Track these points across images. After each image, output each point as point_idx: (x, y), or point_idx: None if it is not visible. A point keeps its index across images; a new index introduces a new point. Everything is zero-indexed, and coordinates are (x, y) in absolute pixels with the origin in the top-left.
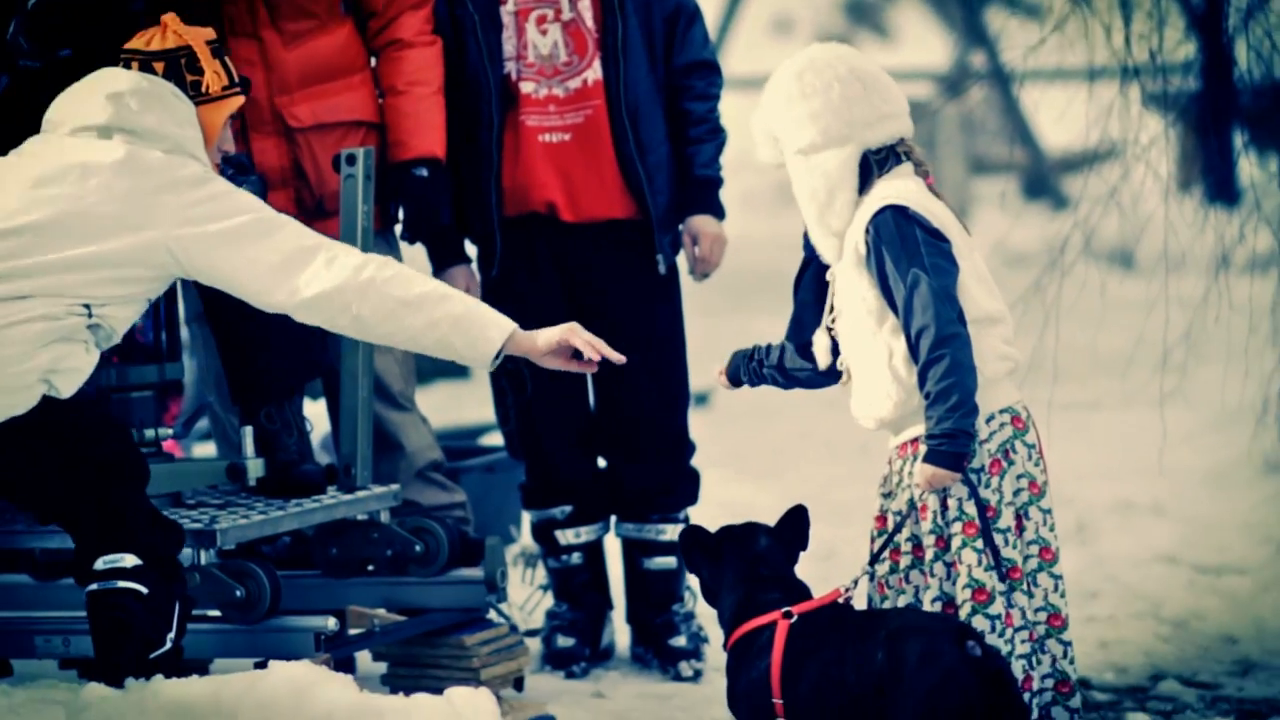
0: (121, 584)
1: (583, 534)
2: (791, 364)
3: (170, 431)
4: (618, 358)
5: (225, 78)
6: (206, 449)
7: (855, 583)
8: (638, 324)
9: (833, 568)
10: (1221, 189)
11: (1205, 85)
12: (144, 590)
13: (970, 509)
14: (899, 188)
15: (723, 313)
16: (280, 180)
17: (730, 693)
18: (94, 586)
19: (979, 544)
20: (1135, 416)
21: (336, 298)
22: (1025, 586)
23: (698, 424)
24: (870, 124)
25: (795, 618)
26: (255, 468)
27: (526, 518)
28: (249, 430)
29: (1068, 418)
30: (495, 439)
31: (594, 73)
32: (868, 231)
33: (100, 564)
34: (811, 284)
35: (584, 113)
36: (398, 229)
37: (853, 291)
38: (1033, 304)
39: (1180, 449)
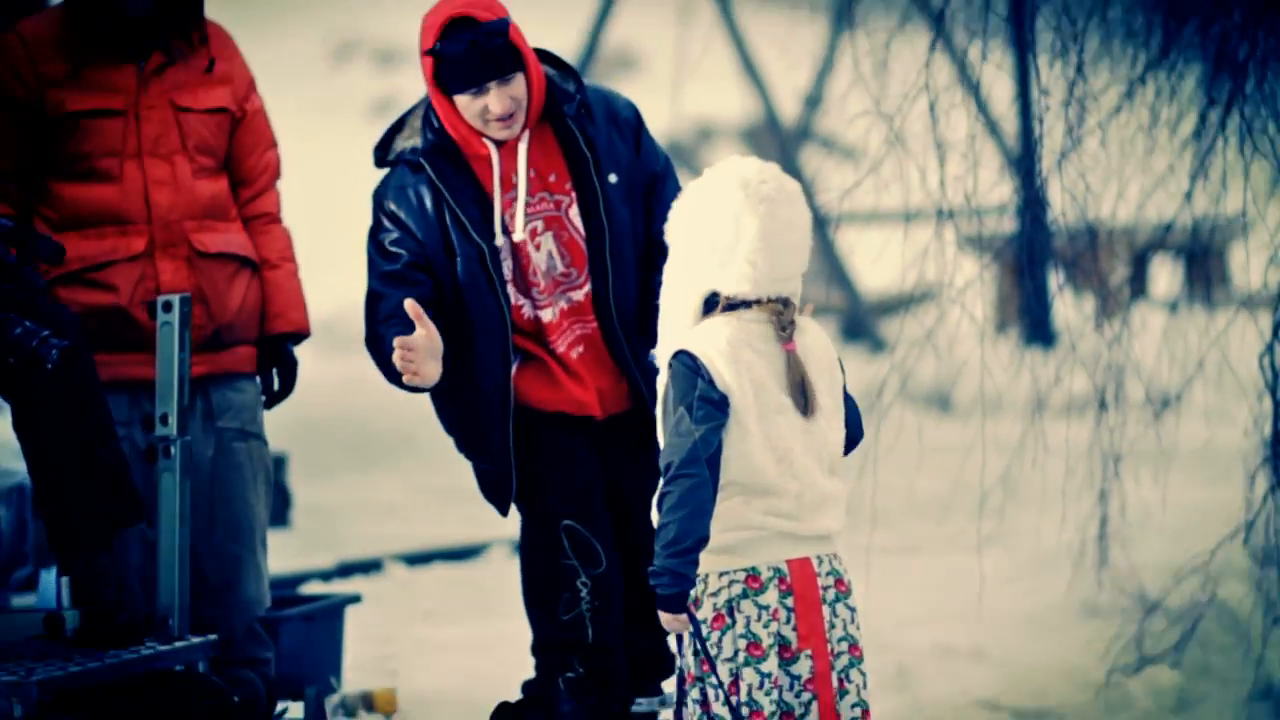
0: None
1: None
2: None
3: None
4: None
5: None
6: (26, 600)
7: None
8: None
9: None
10: (1038, 330)
11: (1020, 227)
12: None
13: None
14: (708, 327)
15: None
16: None
17: None
18: None
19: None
20: (954, 560)
21: None
22: None
23: None
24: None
25: None
26: (72, 618)
27: (347, 665)
28: (65, 581)
29: (887, 562)
30: (314, 588)
31: (587, 287)
32: (669, 368)
33: None
34: None
35: (589, 325)
36: None
37: None
38: None
39: (999, 592)
